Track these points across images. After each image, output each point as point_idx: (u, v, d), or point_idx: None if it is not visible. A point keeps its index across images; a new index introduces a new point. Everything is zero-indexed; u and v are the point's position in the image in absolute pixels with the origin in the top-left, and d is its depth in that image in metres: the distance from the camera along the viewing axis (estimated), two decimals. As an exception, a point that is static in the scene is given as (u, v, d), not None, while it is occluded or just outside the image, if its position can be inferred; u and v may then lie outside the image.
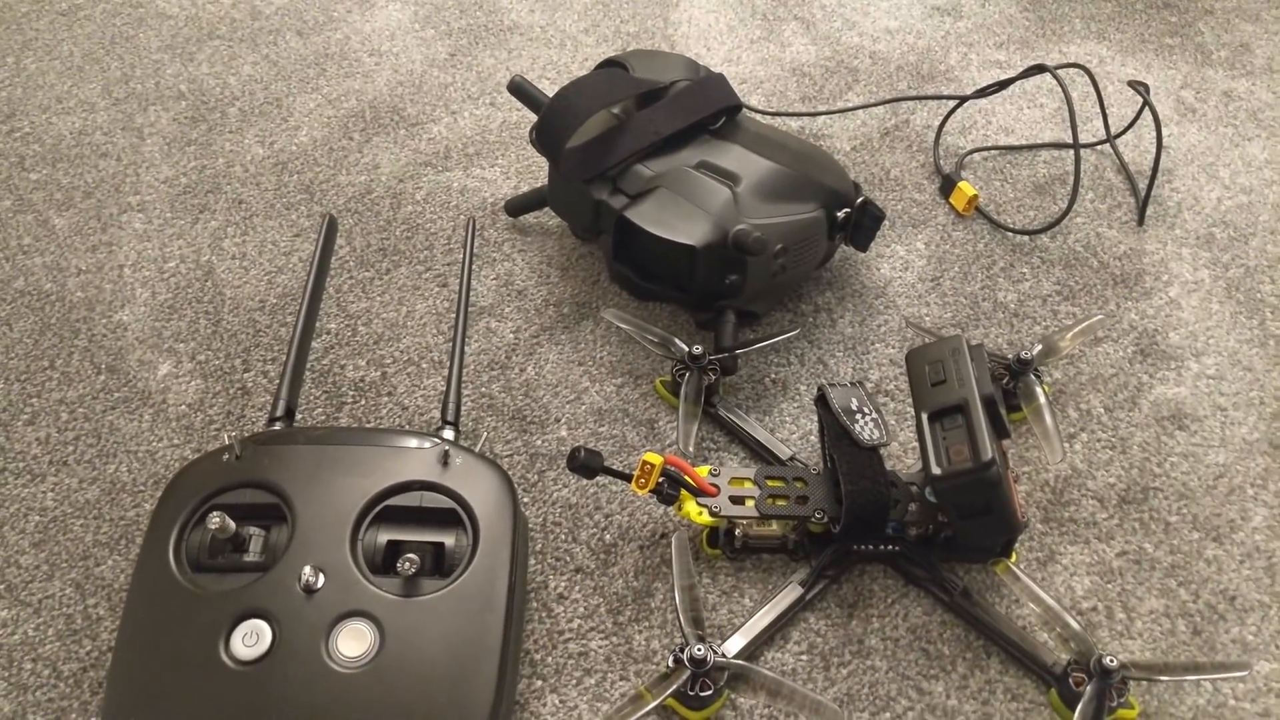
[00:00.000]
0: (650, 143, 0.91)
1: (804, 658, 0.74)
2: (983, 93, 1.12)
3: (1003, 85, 1.11)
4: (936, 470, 0.68)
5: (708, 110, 0.93)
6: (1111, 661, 0.67)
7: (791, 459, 0.83)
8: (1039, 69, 1.05)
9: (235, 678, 0.64)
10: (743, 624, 0.74)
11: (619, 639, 0.75)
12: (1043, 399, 0.83)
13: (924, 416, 0.70)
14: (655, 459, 0.72)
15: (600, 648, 0.74)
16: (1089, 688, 0.68)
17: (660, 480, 0.73)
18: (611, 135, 0.91)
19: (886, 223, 1.04)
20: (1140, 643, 0.75)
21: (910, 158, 1.12)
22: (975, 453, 0.66)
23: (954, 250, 1.03)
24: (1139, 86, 1.08)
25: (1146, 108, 1.05)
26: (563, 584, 0.78)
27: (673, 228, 0.85)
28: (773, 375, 0.92)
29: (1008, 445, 0.83)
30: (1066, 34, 1.30)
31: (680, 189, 0.88)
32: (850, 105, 1.18)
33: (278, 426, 0.79)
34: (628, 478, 0.73)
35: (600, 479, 0.82)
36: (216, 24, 1.34)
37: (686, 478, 0.74)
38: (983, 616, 0.75)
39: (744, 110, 0.98)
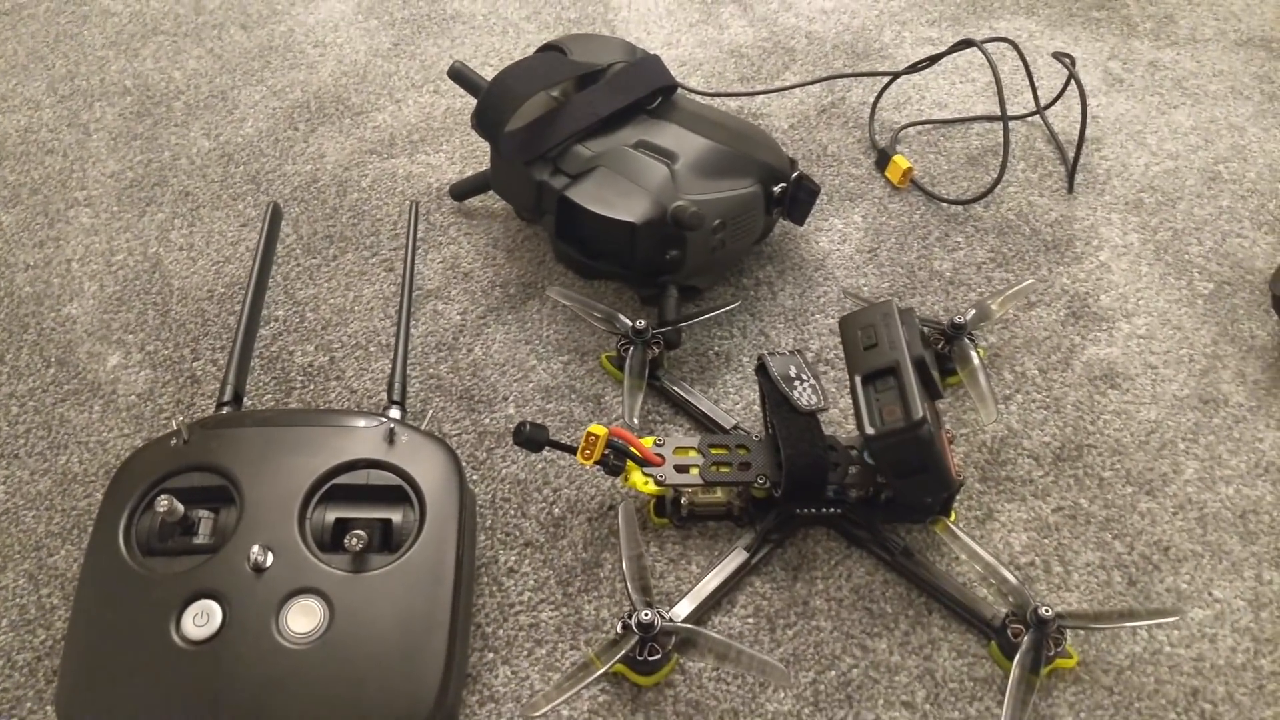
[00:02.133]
0: (589, 123, 0.90)
1: (750, 620, 0.74)
2: (914, 68, 1.13)
3: (933, 60, 1.11)
4: (870, 430, 0.68)
5: (644, 90, 0.92)
6: (1047, 612, 0.68)
7: (735, 428, 0.83)
8: (966, 44, 1.05)
9: (187, 657, 0.63)
10: (690, 590, 0.74)
11: (569, 609, 0.74)
12: (977, 362, 0.83)
13: (857, 379, 0.70)
14: (600, 430, 0.72)
15: (550, 619, 0.74)
16: (1026, 638, 0.68)
17: (606, 452, 0.73)
18: (551, 117, 0.90)
19: (824, 197, 1.04)
20: (1077, 594, 0.75)
21: (847, 134, 1.13)
22: (907, 412, 0.67)
23: (890, 222, 1.03)
24: (1064, 58, 1.09)
25: (1072, 79, 1.06)
26: (512, 558, 0.77)
27: (613, 205, 0.85)
28: (715, 348, 0.92)
29: (943, 407, 0.84)
30: (997, 10, 1.30)
31: (619, 168, 0.87)
32: (787, 84, 1.18)
33: (226, 411, 0.78)
34: (573, 450, 0.73)
35: (547, 454, 0.82)
36: (160, 19, 1.31)
37: (632, 448, 0.74)
38: (923, 574, 0.75)
39: (681, 90, 0.98)
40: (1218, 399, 0.88)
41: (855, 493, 0.76)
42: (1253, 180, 1.07)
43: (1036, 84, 1.12)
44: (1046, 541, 0.78)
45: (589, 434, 0.72)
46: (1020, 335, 0.92)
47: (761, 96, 1.17)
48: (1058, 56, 1.09)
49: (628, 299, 0.95)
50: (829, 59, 1.23)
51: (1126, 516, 0.80)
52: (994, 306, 0.87)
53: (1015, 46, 1.06)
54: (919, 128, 1.13)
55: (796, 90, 1.18)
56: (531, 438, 0.72)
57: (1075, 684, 0.71)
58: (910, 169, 1.05)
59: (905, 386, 0.68)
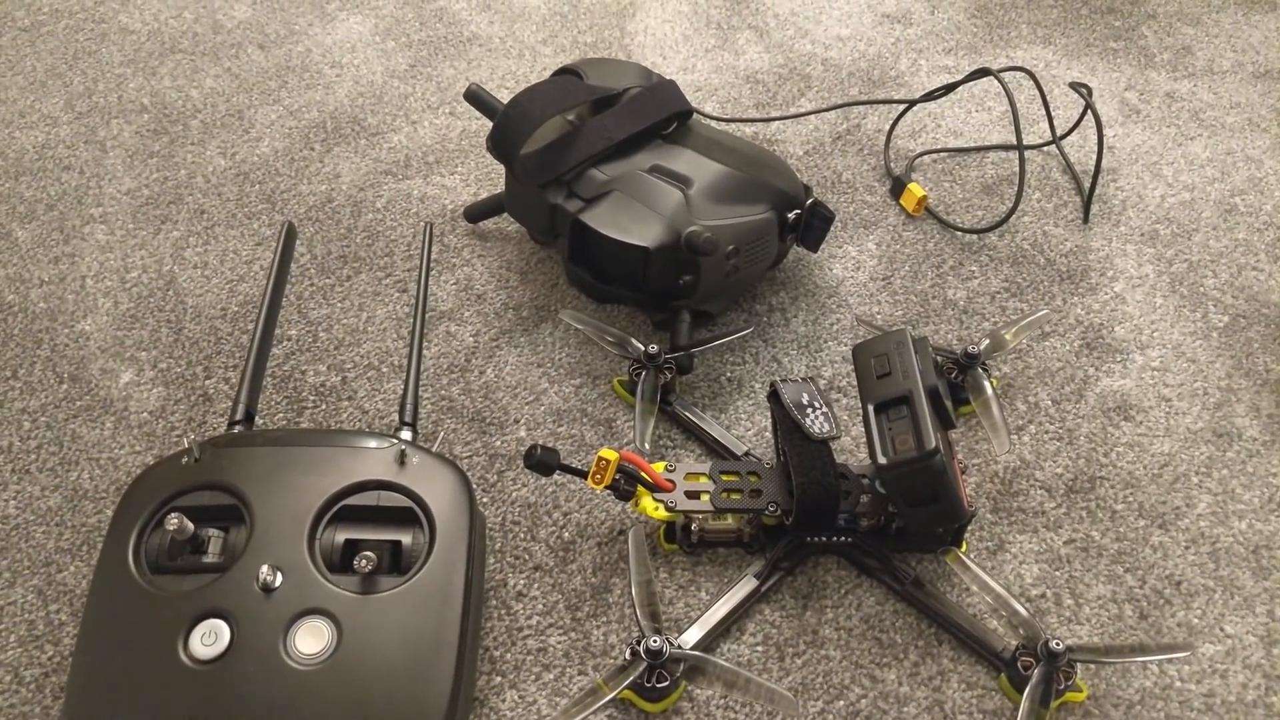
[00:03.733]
0: (604, 148, 0.92)
1: (760, 648, 0.74)
2: (930, 97, 1.14)
3: (949, 89, 1.12)
4: (882, 459, 0.69)
5: (659, 115, 0.94)
6: (1058, 645, 0.68)
7: (746, 454, 0.84)
8: (983, 72, 1.06)
9: (194, 677, 0.63)
10: (699, 616, 0.74)
11: (577, 634, 0.75)
12: (990, 392, 0.84)
13: (870, 408, 0.71)
14: (611, 455, 0.73)
15: (559, 643, 0.75)
16: (1036, 671, 0.68)
17: (616, 476, 0.73)
18: (566, 141, 0.92)
19: (838, 224, 1.05)
20: (1088, 627, 0.76)
21: (862, 161, 1.14)
22: (920, 442, 0.67)
23: (904, 250, 1.04)
24: (1081, 88, 1.10)
25: (1089, 109, 1.07)
26: (522, 581, 0.78)
27: (626, 230, 0.86)
28: (728, 374, 0.92)
29: (956, 437, 0.85)
30: (1014, 39, 1.32)
31: (633, 192, 0.89)
32: (803, 111, 1.19)
33: (237, 430, 0.79)
34: (584, 474, 0.74)
35: (558, 478, 0.83)
36: (178, 38, 1.34)
37: (643, 473, 0.75)
38: (934, 605, 0.76)
39: (696, 116, 0.99)
40: (1232, 433, 0.88)
41: (866, 522, 0.77)
42: (1269, 213, 1.08)
43: (1053, 114, 1.13)
44: (1058, 574, 0.79)
45: (600, 458, 0.73)
46: (1034, 365, 0.93)
47: (777, 123, 1.18)
48: (1074, 86, 1.10)
49: (639, 323, 0.96)
50: (844, 86, 1.24)
51: (1138, 550, 0.80)
52: (1008, 336, 0.88)
53: (1032, 76, 1.07)
54: (934, 156, 1.15)
55: (812, 117, 1.19)
56: (542, 461, 0.73)
57: (1085, 718, 0.71)
58: (925, 197, 1.06)
59: (918, 416, 0.68)
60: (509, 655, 0.74)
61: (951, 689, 0.72)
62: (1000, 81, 1.03)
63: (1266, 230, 1.06)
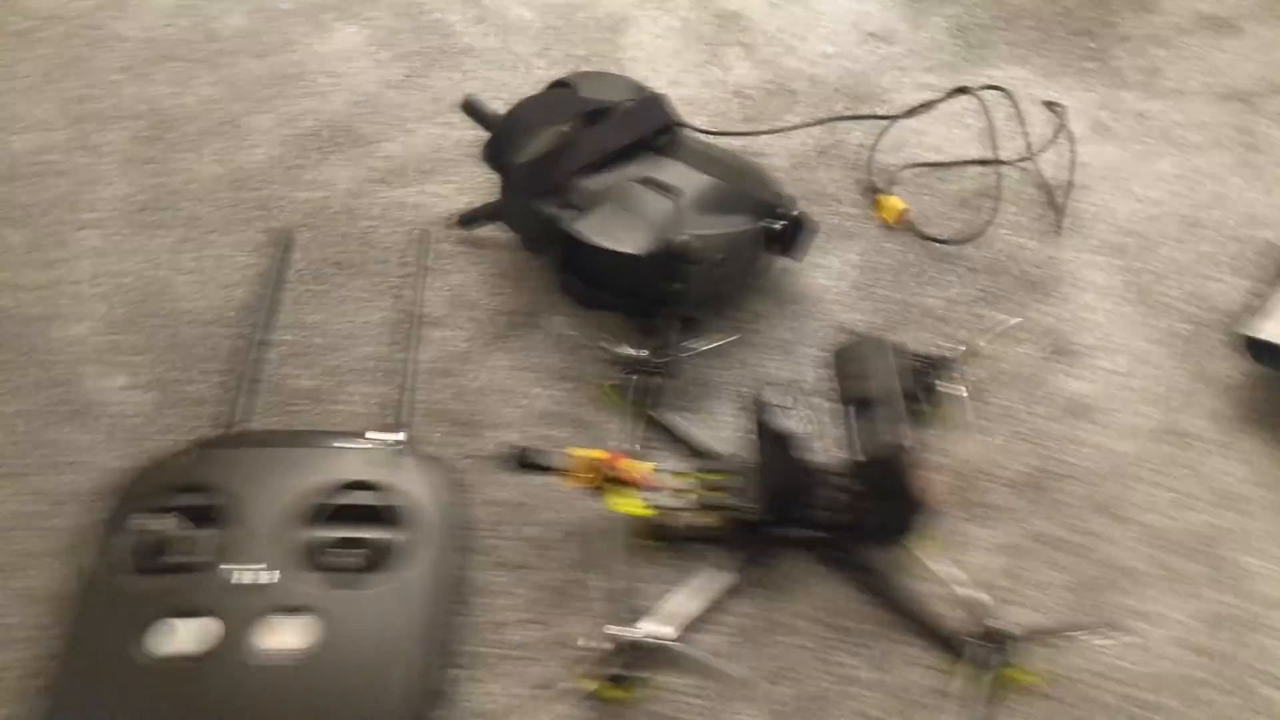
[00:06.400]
0: (597, 159, 0.98)
1: (733, 639, 0.81)
2: (911, 113, 1.21)
3: (929, 106, 1.20)
4: (856, 456, 0.76)
5: (651, 128, 1.01)
6: (1006, 627, 0.76)
7: (728, 455, 0.91)
8: (962, 90, 1.14)
9: (178, 674, 0.68)
10: (675, 609, 0.81)
11: (556, 629, 0.81)
12: (963, 394, 0.91)
13: (845, 407, 0.78)
14: (595, 454, 0.79)
15: (538, 639, 0.81)
16: (987, 654, 0.76)
17: (599, 474, 0.80)
18: (560, 152, 0.99)
19: (822, 235, 1.12)
20: (1043, 614, 0.84)
21: (845, 174, 1.21)
22: (894, 439, 0.74)
23: (885, 260, 1.11)
24: (1055, 107, 1.18)
25: (1063, 127, 1.15)
26: (504, 579, 0.84)
27: (617, 238, 0.93)
28: (713, 379, 0.99)
29: (928, 436, 0.92)
30: (992, 59, 1.39)
31: (624, 202, 0.96)
32: (789, 125, 1.27)
33: (229, 432, 0.84)
34: (567, 473, 0.80)
35: (543, 477, 0.89)
36: (174, 46, 1.40)
37: (628, 472, 0.81)
38: (897, 595, 0.83)
39: (686, 129, 1.06)
40: (1190, 434, 0.96)
41: (836, 517, 0.83)
42: (1231, 227, 1.16)
43: (1029, 131, 1.21)
44: (1019, 565, 0.87)
45: (584, 457, 0.79)
46: (1005, 370, 1.01)
47: (764, 136, 1.25)
48: (1049, 105, 1.17)
49: (629, 330, 1.03)
50: (829, 102, 1.32)
51: (1091, 541, 0.88)
52: (981, 343, 0.96)
53: (1009, 94, 1.14)
54: (915, 170, 1.22)
55: (797, 131, 1.26)
56: (529, 461, 0.79)
57: (1038, 699, 0.79)
58: (905, 209, 1.14)
59: (892, 415, 0.76)
60: (490, 650, 0.80)
61: (913, 673, 0.80)
62: (979, 99, 1.11)
63: (1228, 244, 1.14)
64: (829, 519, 0.84)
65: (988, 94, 1.22)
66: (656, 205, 0.95)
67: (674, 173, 0.98)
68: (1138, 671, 0.80)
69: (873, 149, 1.23)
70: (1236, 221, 1.17)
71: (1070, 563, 0.86)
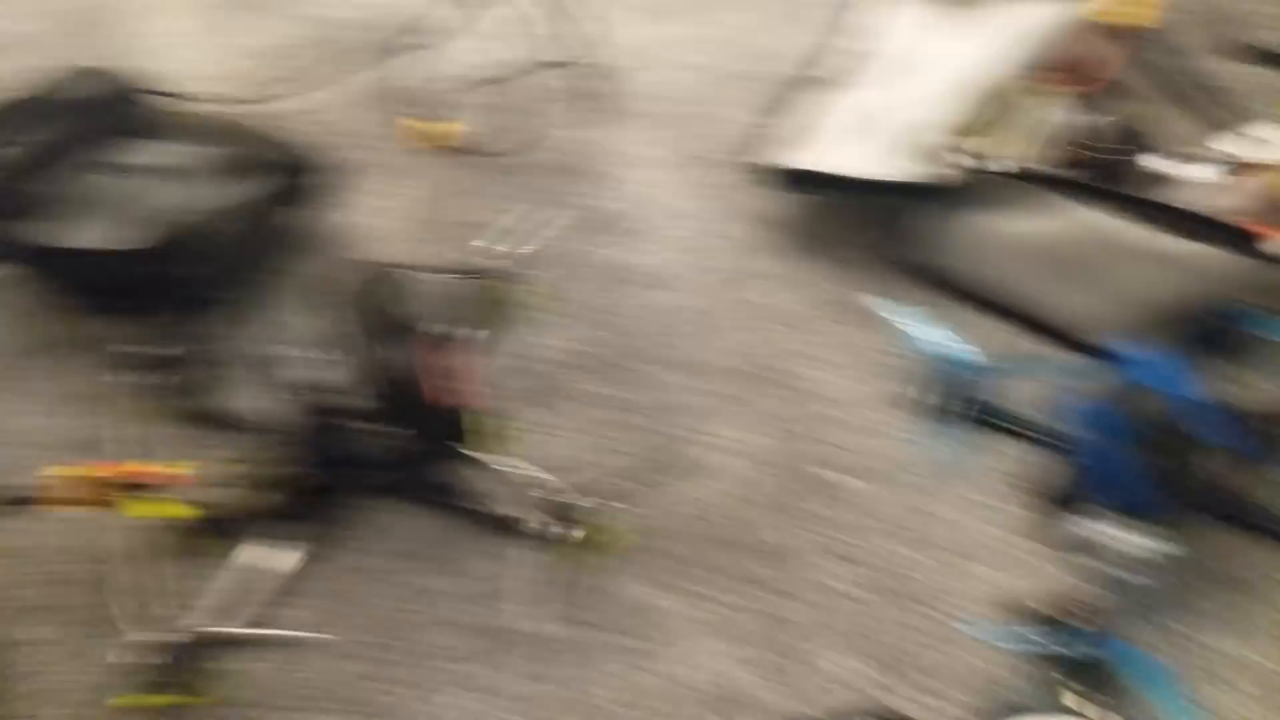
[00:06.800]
0: (60, 160, 0.93)
1: (324, 602, 0.80)
2: (448, 37, 1.22)
3: (466, 26, 1.20)
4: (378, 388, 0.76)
5: (119, 113, 0.96)
6: (576, 500, 0.78)
7: (259, 432, 0.86)
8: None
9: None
10: (221, 599, 0.76)
11: (94, 656, 0.76)
12: (517, 296, 0.93)
13: (362, 339, 0.78)
14: (90, 470, 0.74)
15: (71, 669, 0.76)
16: (559, 528, 0.77)
17: (114, 487, 0.75)
18: (19, 165, 0.92)
19: (381, 174, 1.11)
20: (628, 479, 0.85)
21: (394, 114, 1.20)
22: (399, 360, 0.75)
23: (444, 186, 1.11)
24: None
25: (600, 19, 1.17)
26: (35, 626, 0.79)
27: (105, 238, 0.88)
28: (245, 353, 0.95)
29: (500, 343, 0.92)
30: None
31: (110, 197, 0.91)
32: (320, 81, 1.24)
33: None
34: (69, 503, 0.75)
35: (61, 511, 0.79)
36: None
37: (148, 477, 0.77)
38: (471, 504, 0.83)
39: (178, 103, 1.01)
40: (741, 275, 1.01)
41: (393, 454, 0.82)
42: (770, 75, 1.20)
43: (573, 28, 1.23)
44: (596, 438, 0.89)
45: (74, 477, 0.74)
46: (571, 264, 1.03)
47: (304, 94, 1.22)
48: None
49: (154, 328, 0.95)
50: (366, 47, 1.29)
51: (664, 395, 0.92)
52: (528, 250, 0.97)
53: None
54: (472, 91, 1.22)
55: (335, 82, 1.24)
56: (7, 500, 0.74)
57: (632, 553, 0.81)
58: (459, 132, 1.14)
59: (395, 341, 0.76)
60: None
61: (504, 567, 0.80)
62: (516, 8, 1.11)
63: (760, 90, 1.18)
64: (382, 457, 0.82)
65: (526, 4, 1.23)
66: (146, 191, 0.91)
67: (161, 153, 0.94)
68: (705, 495, 0.85)
69: (418, 81, 1.21)
70: (775, 68, 1.22)
71: (650, 423, 0.89)
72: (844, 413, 0.90)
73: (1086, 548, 0.63)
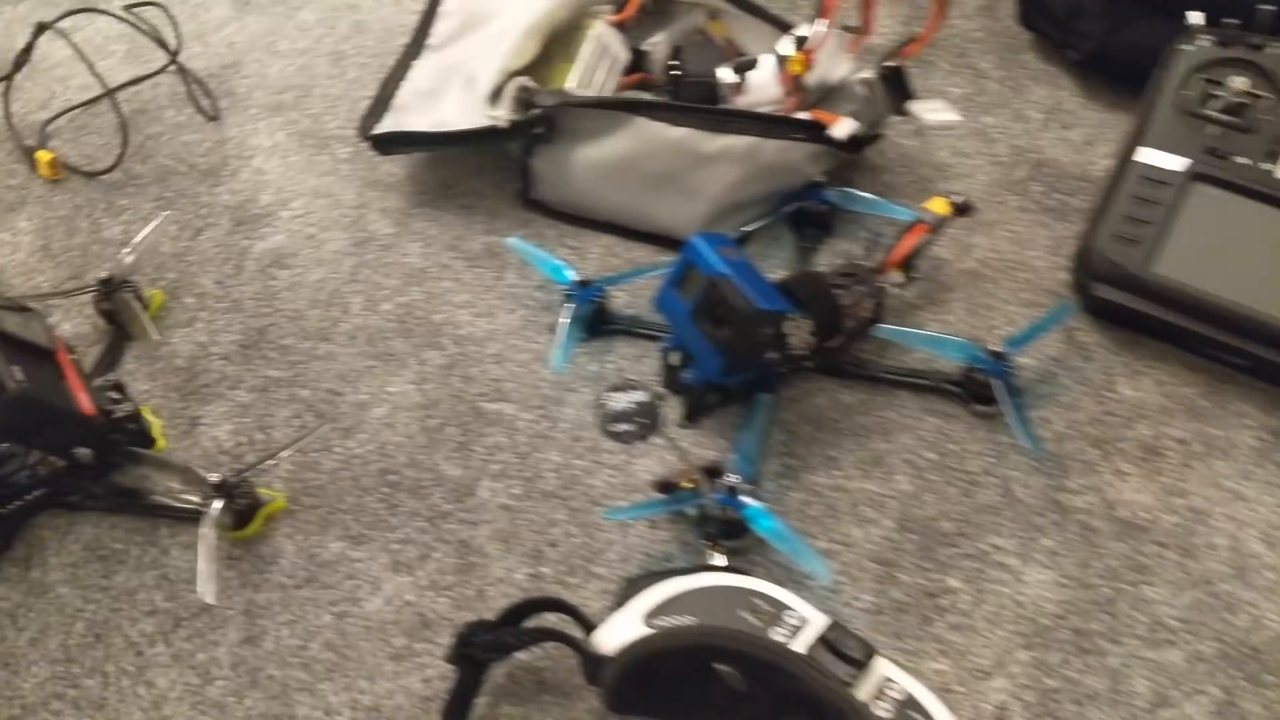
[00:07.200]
0: None
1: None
2: (20, 62, 1.19)
3: (27, 51, 1.18)
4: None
5: None
6: (223, 478, 0.81)
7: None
8: (42, 29, 1.13)
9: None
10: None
11: None
12: (135, 308, 0.94)
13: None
14: None
15: None
16: (218, 507, 0.80)
17: None
18: None
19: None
20: (286, 462, 0.90)
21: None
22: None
23: (56, 214, 1.10)
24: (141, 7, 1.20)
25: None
26: None
27: None
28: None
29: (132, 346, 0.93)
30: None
31: None
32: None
33: None
34: None
35: None
36: None
37: None
38: (141, 501, 0.86)
39: None
40: (368, 238, 1.06)
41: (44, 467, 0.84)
42: (372, 47, 1.26)
43: (164, 36, 1.23)
44: (247, 420, 0.92)
45: None
46: (195, 261, 1.04)
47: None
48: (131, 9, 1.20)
49: None
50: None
51: (310, 365, 0.96)
52: (130, 256, 0.97)
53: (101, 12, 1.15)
54: (68, 116, 1.20)
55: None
56: None
57: (288, 517, 0.86)
58: (54, 158, 1.12)
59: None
60: None
61: (175, 558, 0.84)
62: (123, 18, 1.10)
63: (372, 62, 1.24)
64: (40, 474, 0.83)
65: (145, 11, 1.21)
66: None
67: None
68: (370, 451, 0.90)
69: (8, 112, 1.19)
70: (375, 41, 1.28)
71: (293, 394, 0.94)
72: (492, 348, 0.97)
73: (614, 417, 0.73)
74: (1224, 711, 0.77)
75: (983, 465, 0.90)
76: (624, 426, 0.72)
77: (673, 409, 0.92)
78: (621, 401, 0.72)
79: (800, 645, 0.70)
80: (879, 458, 0.90)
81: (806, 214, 1.03)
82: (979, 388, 0.91)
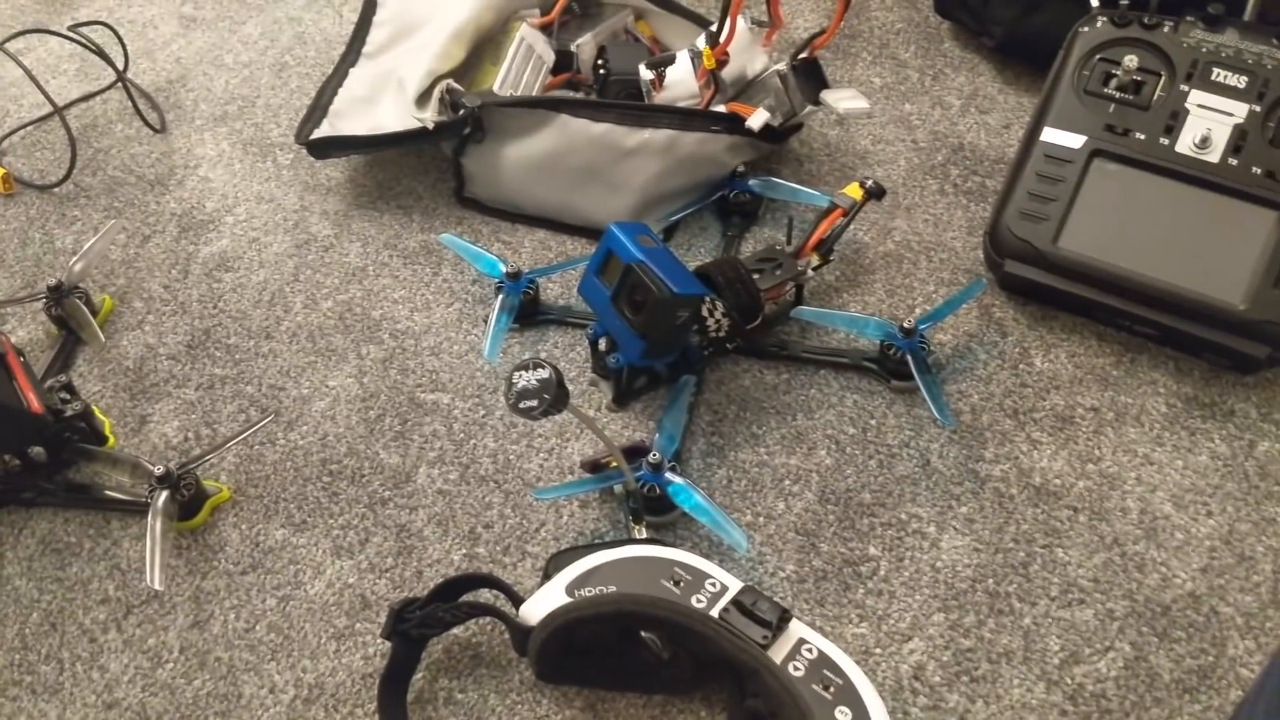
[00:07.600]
0: None
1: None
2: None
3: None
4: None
5: None
6: (160, 469, 0.84)
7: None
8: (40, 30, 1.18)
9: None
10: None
11: None
12: (85, 313, 0.98)
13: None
14: None
15: None
16: (160, 496, 0.84)
17: None
18: None
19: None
20: (231, 455, 0.93)
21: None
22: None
23: (10, 226, 1.14)
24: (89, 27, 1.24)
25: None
26: None
27: None
28: None
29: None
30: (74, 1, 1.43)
31: None
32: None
33: None
34: None
35: None
36: None
37: None
38: (95, 496, 0.89)
39: None
40: (309, 240, 1.10)
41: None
42: (313, 58, 1.30)
43: (128, 49, 1.27)
44: (194, 417, 0.96)
45: None
46: (143, 266, 1.08)
47: None
48: (75, 29, 1.24)
49: None
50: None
51: (254, 362, 1.00)
52: (79, 264, 1.01)
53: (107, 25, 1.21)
54: (20, 134, 1.24)
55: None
56: None
57: (234, 507, 0.89)
58: (8, 174, 1.16)
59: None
60: None
61: (126, 549, 0.88)
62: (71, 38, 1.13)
63: (314, 71, 1.28)
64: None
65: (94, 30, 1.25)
66: None
67: None
68: (311, 442, 0.94)
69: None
70: (316, 51, 1.32)
71: (238, 390, 0.97)
72: (429, 341, 1.01)
73: (520, 394, 0.78)
74: (1134, 667, 0.80)
75: (901, 439, 0.94)
76: (529, 403, 0.76)
77: (604, 393, 0.96)
78: (526, 379, 0.76)
79: (717, 611, 0.74)
80: (801, 434, 0.94)
81: (731, 203, 1.08)
82: (895, 364, 0.95)
